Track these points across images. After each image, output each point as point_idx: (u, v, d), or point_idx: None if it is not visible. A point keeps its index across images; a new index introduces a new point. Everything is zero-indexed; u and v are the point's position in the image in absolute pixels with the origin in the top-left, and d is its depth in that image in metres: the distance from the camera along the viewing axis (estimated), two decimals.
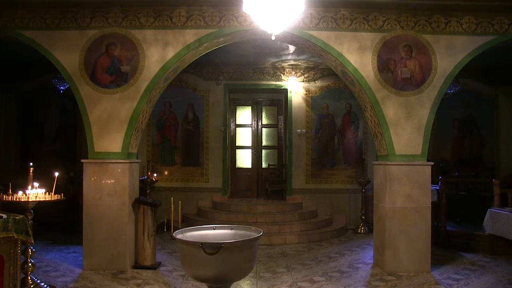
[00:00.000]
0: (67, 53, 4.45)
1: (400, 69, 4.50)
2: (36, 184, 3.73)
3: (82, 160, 4.53)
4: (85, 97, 4.47)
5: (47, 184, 3.89)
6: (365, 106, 4.79)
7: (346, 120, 7.47)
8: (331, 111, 7.47)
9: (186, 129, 7.40)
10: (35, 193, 3.67)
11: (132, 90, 4.47)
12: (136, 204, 4.61)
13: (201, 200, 7.28)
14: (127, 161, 4.46)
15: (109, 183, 4.42)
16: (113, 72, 4.46)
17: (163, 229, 6.33)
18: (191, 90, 7.43)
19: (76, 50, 4.45)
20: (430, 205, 4.50)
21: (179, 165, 7.36)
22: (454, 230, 5.82)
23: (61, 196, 3.78)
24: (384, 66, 4.50)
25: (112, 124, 4.47)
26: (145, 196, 6.26)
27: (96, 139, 4.47)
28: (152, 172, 6.99)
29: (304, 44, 4.74)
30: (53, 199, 3.70)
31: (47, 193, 3.74)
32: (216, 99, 7.45)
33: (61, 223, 6.60)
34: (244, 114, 8.19)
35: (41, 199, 3.64)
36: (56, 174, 3.88)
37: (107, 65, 4.46)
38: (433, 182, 4.77)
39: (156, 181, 6.92)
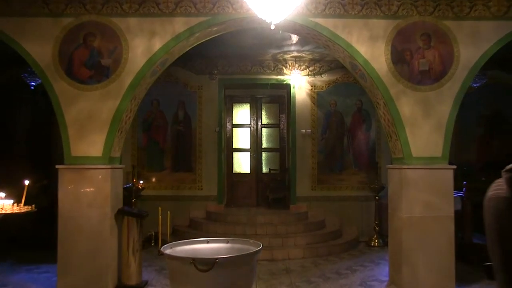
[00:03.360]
0: (39, 44, 4.41)
1: (417, 61, 4.49)
2: (2, 194, 3.69)
3: (57, 166, 4.50)
4: (61, 94, 4.45)
5: (15, 193, 3.86)
6: (378, 103, 4.77)
7: (356, 118, 7.47)
8: (339, 108, 7.48)
9: (176, 130, 7.41)
10: (1, 204, 3.60)
11: (115, 86, 4.46)
12: (120, 215, 4.60)
13: (194, 210, 7.28)
14: (109, 166, 4.45)
15: (89, 192, 4.40)
16: (93, 65, 4.45)
17: (150, 244, 6.31)
18: (181, 86, 7.44)
19: (49, 40, 4.42)
20: (453, 215, 4.47)
21: (169, 171, 7.37)
22: (481, 244, 5.76)
23: (32, 208, 3.74)
24: (398, 58, 4.50)
25: (91, 125, 4.45)
26: (130, 206, 6.25)
27: (74, 141, 4.45)
28: (138, 179, 6.98)
29: (308, 34, 4.73)
30: (22, 211, 3.64)
31: (15, 204, 3.69)
32: (210, 96, 7.45)
33: (32, 238, 6.46)
34: (241, 113, 8.20)
35: (8, 212, 3.58)
36: (27, 182, 3.82)
37: (85, 58, 4.44)
38: (456, 188, 4.76)
39: (143, 189, 6.90)
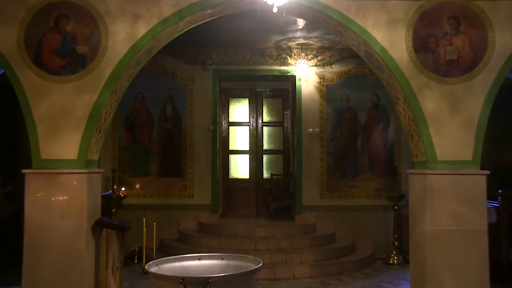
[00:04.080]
0: (1, 28, 4.36)
1: (444, 49, 4.45)
2: None
3: (23, 171, 4.45)
4: (28, 87, 4.39)
5: None
6: (397, 98, 4.75)
7: (372, 115, 7.46)
8: (352, 104, 7.47)
9: (164, 128, 7.40)
10: None
11: (92, 78, 4.44)
12: (98, 227, 4.58)
13: (184, 221, 7.30)
14: (86, 171, 4.44)
15: (61, 201, 4.36)
16: (66, 54, 4.40)
17: (134, 260, 6.30)
18: (170, 78, 7.46)
19: (13, 24, 4.35)
20: (486, 228, 4.42)
21: (155, 176, 7.38)
22: None
23: None
24: (422, 45, 4.46)
25: (65, 123, 4.41)
26: (110, 216, 6.26)
27: (44, 142, 4.40)
28: (119, 186, 6.99)
29: (316, 17, 4.71)
30: None
31: None
32: (202, 89, 7.48)
33: None
34: (239, 109, 8.23)
35: None
36: None
37: (57, 45, 4.39)
38: (490, 197, 4.75)
39: (125, 196, 6.92)
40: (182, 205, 7.33)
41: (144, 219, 3.84)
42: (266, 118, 8.20)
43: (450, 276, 4.33)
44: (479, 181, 4.40)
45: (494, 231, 5.46)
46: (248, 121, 8.17)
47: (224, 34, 6.76)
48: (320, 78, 7.50)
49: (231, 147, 8.15)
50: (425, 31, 4.45)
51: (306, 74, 7.47)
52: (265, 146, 8.17)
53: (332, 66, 7.50)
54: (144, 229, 3.56)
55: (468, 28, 4.43)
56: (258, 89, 8.17)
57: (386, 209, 7.22)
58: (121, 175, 7.21)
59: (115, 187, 6.85)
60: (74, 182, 4.36)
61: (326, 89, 7.48)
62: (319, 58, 7.50)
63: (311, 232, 7.01)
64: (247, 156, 8.12)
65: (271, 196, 7.69)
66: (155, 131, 7.39)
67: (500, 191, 5.79)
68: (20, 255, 4.42)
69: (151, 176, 7.37)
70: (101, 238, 4.56)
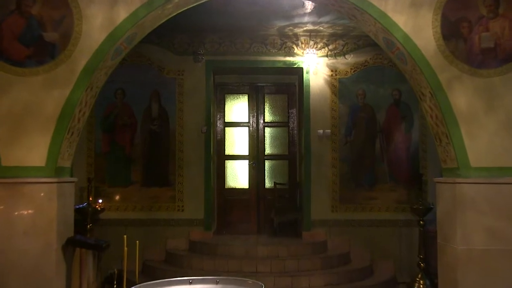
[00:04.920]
0: None
1: (478, 35, 4.44)
2: None
3: None
4: None
5: None
6: (422, 93, 4.74)
7: (393, 114, 7.43)
8: (369, 101, 7.45)
9: (149, 130, 7.39)
10: None
11: (63, 70, 4.44)
12: (70, 247, 4.55)
13: (172, 238, 7.27)
14: (55, 180, 4.42)
15: (26, 215, 4.33)
16: (31, 41, 4.38)
17: (112, 285, 6.19)
18: (156, 71, 7.43)
19: None
20: None
21: (138, 186, 7.35)
22: None
23: None
24: (452, 31, 4.44)
25: (31, 123, 4.40)
26: (84, 234, 6.23)
27: (5, 146, 4.38)
28: (96, 197, 6.97)
29: None
30: None
31: None
32: (194, 84, 7.44)
33: None
34: (237, 107, 8.21)
35: None
36: None
37: (20, 30, 4.37)
38: None
39: (102, 210, 6.87)
40: (170, 220, 7.28)
41: (125, 236, 3.80)
42: (268, 117, 8.17)
43: None
44: None
45: None
46: (247, 121, 8.13)
47: (219, 19, 6.72)
48: (332, 71, 7.46)
49: (228, 152, 8.10)
50: (456, 15, 4.43)
51: (315, 66, 7.42)
52: (268, 150, 8.13)
53: (346, 56, 7.46)
54: (125, 248, 3.51)
55: (509, 11, 4.40)
56: (259, 84, 8.13)
57: (409, 224, 7.15)
58: (98, 185, 7.19)
59: (90, 199, 6.78)
60: (42, 194, 4.34)
61: (338, 83, 7.44)
62: (330, 47, 7.46)
63: (322, 251, 6.98)
64: (246, 162, 8.07)
65: (275, 209, 7.64)
66: (138, 134, 7.35)
67: None
68: None
69: (133, 186, 7.32)
70: (73, 259, 4.53)
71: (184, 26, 6.93)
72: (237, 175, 8.10)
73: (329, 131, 7.40)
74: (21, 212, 4.30)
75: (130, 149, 7.35)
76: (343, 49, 7.47)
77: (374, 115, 7.42)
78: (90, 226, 6.56)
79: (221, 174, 8.01)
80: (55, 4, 4.35)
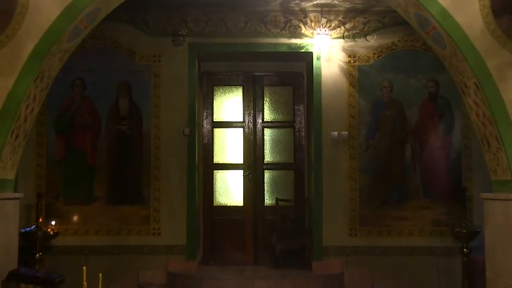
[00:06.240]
0: None
1: None
2: None
3: None
4: None
5: None
6: (465, 85, 4.77)
7: (427, 112, 7.44)
8: (397, 95, 7.46)
9: (116, 131, 7.41)
10: None
11: (4, 56, 4.48)
12: (12, 282, 4.54)
13: (146, 270, 7.25)
14: None
15: None
16: None
17: None
18: (125, 56, 7.45)
19: None
20: None
21: (102, 203, 7.36)
22: None
23: None
24: (505, 4, 4.47)
25: None
26: (33, 266, 6.19)
27: None
28: (48, 218, 6.93)
29: None
30: None
31: None
32: (174, 74, 7.47)
33: None
34: (229, 103, 8.24)
35: None
36: None
37: None
38: None
39: (56, 234, 6.83)
40: (143, 246, 7.26)
41: (84, 268, 3.76)
42: (268, 116, 8.17)
43: None
44: None
45: None
46: (242, 120, 8.12)
47: None
48: (349, 57, 7.44)
49: (217, 160, 8.09)
50: None
51: (328, 50, 7.40)
52: (268, 157, 8.13)
53: (367, 38, 7.43)
54: (84, 283, 3.46)
55: None
56: (257, 73, 8.13)
57: (450, 252, 7.14)
58: (50, 202, 7.18)
59: (41, 220, 6.73)
60: None
61: (358, 72, 7.42)
62: (347, 26, 7.43)
63: (337, 287, 6.96)
64: (240, 173, 8.05)
65: (277, 232, 7.58)
66: (102, 136, 7.36)
67: None
68: None
69: (96, 203, 7.30)
70: None
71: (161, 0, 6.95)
72: (229, 189, 8.09)
73: (346, 133, 7.39)
74: None
75: (92, 156, 7.34)
76: (363, 28, 7.45)
77: (404, 113, 7.42)
78: (39, 255, 6.54)
79: (209, 188, 8.00)
80: None
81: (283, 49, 7.50)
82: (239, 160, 8.08)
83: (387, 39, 7.45)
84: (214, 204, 8.02)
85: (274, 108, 8.19)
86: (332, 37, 7.40)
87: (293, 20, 7.43)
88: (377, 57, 7.46)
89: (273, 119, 8.18)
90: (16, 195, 4.81)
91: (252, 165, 8.04)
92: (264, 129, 8.14)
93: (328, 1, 7.10)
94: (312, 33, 7.40)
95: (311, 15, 7.40)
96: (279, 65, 8.05)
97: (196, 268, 7.30)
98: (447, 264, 7.19)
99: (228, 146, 8.13)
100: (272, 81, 8.20)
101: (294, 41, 7.46)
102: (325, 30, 7.34)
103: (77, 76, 7.25)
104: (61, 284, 4.63)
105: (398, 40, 7.44)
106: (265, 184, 8.08)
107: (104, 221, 7.28)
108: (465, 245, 6.81)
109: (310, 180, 7.70)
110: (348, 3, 7.17)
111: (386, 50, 7.46)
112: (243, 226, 7.96)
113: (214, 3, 7.24)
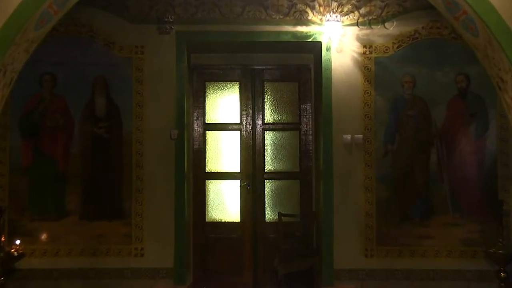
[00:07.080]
0: None
1: None
2: None
3: None
4: None
5: None
6: (502, 80, 4.83)
7: (457, 111, 7.45)
8: (421, 91, 7.49)
9: (92, 135, 7.44)
10: None
11: None
12: None
13: None
14: None
15: None
16: None
17: None
18: (102, 47, 7.48)
19: None
20: None
21: (76, 219, 7.38)
22: None
23: None
24: None
25: None
26: None
27: None
28: (11, 236, 6.98)
29: None
30: None
31: None
32: (159, 68, 7.51)
33: None
34: (224, 102, 8.30)
35: None
36: None
37: None
38: None
39: (21, 255, 6.83)
40: (124, 269, 7.29)
41: None
42: (270, 116, 8.22)
43: None
44: None
45: None
46: (239, 122, 8.16)
47: None
48: (365, 47, 7.45)
49: (210, 168, 8.17)
50: None
51: (340, 39, 7.41)
52: (269, 165, 8.21)
53: (386, 25, 7.42)
54: None
55: None
56: (257, 67, 8.17)
57: (484, 276, 7.16)
58: (14, 218, 7.24)
59: (3, 239, 6.72)
60: None
61: (375, 65, 7.43)
62: (362, 11, 7.43)
63: None
64: (237, 183, 8.13)
65: (280, 252, 7.59)
66: (75, 140, 7.40)
67: None
68: None
69: (69, 218, 7.34)
70: None
71: None
72: (224, 203, 8.14)
73: (360, 136, 7.40)
74: None
75: (64, 164, 7.37)
76: (381, 13, 7.44)
77: (429, 113, 7.43)
78: (1, 280, 6.53)
79: (200, 201, 8.03)
80: None
81: (287, 38, 7.49)
82: (236, 168, 8.13)
83: (408, 26, 7.44)
84: (207, 220, 8.05)
85: (277, 108, 8.23)
86: (344, 24, 7.39)
87: (298, 4, 7.42)
88: (397, 47, 7.46)
89: (275, 120, 8.23)
90: None
91: (251, 174, 8.09)
92: (265, 132, 8.19)
93: None
94: (320, 20, 7.39)
95: None
96: (282, 57, 8.09)
97: None
98: None
99: (223, 151, 8.18)
100: (274, 76, 8.23)
101: (300, 29, 7.45)
102: (336, 16, 7.33)
103: (46, 70, 7.27)
104: None
105: (422, 27, 7.43)
106: (266, 196, 8.13)
107: (77, 240, 7.29)
108: (502, 268, 6.83)
109: (319, 191, 7.70)
110: None
111: (408, 39, 7.45)
112: (240, 246, 8.00)
113: None
